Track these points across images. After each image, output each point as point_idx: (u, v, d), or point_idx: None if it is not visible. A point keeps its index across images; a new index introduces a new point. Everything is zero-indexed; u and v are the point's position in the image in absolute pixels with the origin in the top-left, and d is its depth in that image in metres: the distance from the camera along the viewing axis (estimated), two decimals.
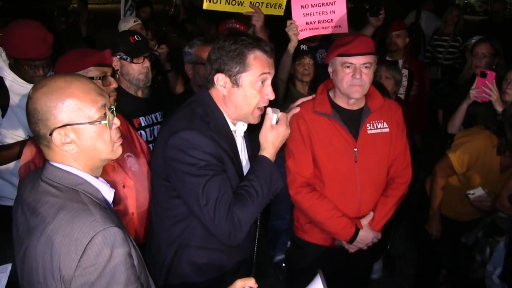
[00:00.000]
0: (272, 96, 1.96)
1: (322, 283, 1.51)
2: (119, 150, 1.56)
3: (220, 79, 1.90)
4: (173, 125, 1.88)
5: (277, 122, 2.01)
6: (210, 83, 1.95)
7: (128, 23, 4.18)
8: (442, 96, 4.50)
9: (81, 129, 1.44)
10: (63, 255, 1.32)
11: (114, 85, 2.30)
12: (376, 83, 3.32)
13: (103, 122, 1.47)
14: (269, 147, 1.98)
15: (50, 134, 1.41)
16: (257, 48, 1.88)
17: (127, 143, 2.38)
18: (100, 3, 26.70)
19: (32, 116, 1.41)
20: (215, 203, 1.79)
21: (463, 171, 2.92)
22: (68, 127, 1.42)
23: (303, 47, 3.50)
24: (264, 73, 1.91)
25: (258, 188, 1.88)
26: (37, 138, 1.46)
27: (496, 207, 2.77)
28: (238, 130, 2.06)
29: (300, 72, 3.56)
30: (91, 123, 1.45)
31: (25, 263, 1.43)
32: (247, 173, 1.98)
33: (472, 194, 2.83)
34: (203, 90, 2.02)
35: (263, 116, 2.02)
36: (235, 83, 1.89)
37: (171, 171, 1.86)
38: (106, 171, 2.20)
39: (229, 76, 1.89)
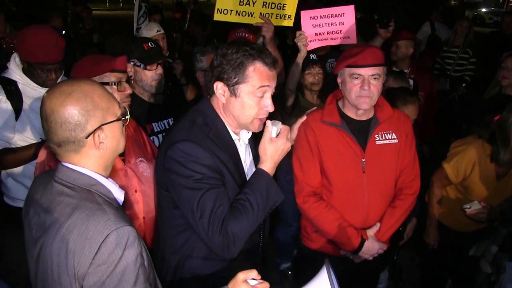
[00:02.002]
0: (271, 109, 1.93)
1: (328, 272, 1.50)
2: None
3: (219, 88, 1.89)
4: (172, 136, 1.88)
5: (277, 135, 1.96)
6: (211, 90, 1.94)
7: (151, 32, 4.18)
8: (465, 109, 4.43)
9: (110, 127, 1.51)
10: (77, 253, 1.37)
11: (128, 91, 2.34)
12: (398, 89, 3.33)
13: (127, 116, 1.56)
14: (267, 160, 1.93)
15: (87, 137, 1.46)
16: (258, 60, 1.85)
17: (140, 148, 2.42)
18: (110, 9, 26.92)
19: (68, 124, 1.43)
20: (209, 217, 1.78)
21: (459, 180, 2.94)
22: (102, 127, 1.48)
23: (313, 56, 3.52)
24: (264, 86, 1.87)
25: (253, 202, 1.84)
26: (65, 143, 1.47)
27: (492, 217, 2.76)
28: (242, 138, 2.04)
29: (309, 81, 3.56)
30: (118, 119, 1.53)
31: (40, 262, 1.47)
32: (244, 186, 1.94)
33: (468, 208, 2.84)
34: (205, 99, 2.00)
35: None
36: (233, 93, 1.87)
37: (169, 183, 1.87)
38: (118, 176, 2.24)
39: (228, 86, 1.87)
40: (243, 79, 1.84)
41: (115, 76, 2.30)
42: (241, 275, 1.54)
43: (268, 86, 1.89)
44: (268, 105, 1.92)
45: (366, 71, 2.37)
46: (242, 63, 1.83)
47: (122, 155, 2.29)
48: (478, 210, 2.82)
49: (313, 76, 3.54)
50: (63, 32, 6.28)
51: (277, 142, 1.94)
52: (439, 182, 3.05)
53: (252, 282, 1.55)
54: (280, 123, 2.00)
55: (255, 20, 3.21)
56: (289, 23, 3.34)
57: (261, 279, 1.56)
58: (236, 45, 1.88)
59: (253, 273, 1.53)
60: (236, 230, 1.80)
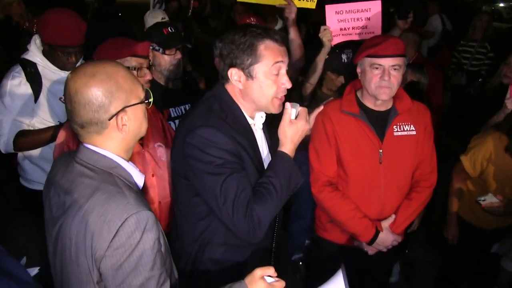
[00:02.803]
0: (289, 85, 1.91)
1: (344, 278, 1.52)
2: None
3: (234, 74, 1.88)
4: (190, 123, 1.86)
5: (296, 117, 1.96)
6: (225, 78, 1.92)
7: (155, 19, 4.19)
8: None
9: (133, 109, 1.50)
10: (96, 235, 1.36)
11: (149, 76, 2.35)
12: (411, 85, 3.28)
13: (150, 100, 1.56)
14: (288, 142, 1.94)
15: (110, 119, 1.45)
16: (267, 38, 1.85)
17: (158, 133, 2.42)
18: None
19: (91, 105, 1.42)
20: (233, 201, 1.78)
21: (477, 174, 2.88)
22: (126, 109, 1.47)
23: (345, 59, 3.38)
24: (278, 62, 1.87)
25: (277, 185, 1.85)
26: (88, 125, 1.46)
27: (510, 211, 2.71)
28: (257, 122, 2.04)
29: (336, 84, 3.46)
30: (142, 102, 1.53)
31: (59, 242, 1.47)
32: (266, 169, 1.94)
33: (483, 200, 2.76)
34: (219, 85, 1.98)
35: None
36: (249, 76, 1.86)
37: (189, 170, 1.85)
38: (136, 160, 2.24)
39: (242, 70, 1.86)
40: (256, 59, 1.84)
41: (136, 61, 2.30)
42: (258, 272, 1.52)
43: (282, 61, 1.89)
44: (285, 82, 1.91)
45: (386, 62, 2.35)
46: (252, 44, 1.83)
47: (140, 139, 2.30)
48: (494, 204, 2.75)
49: (342, 81, 3.43)
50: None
51: (297, 124, 1.94)
52: (458, 176, 3.00)
53: (269, 279, 1.54)
54: (298, 105, 1.99)
55: (278, 2, 3.17)
56: (311, 5, 3.28)
57: (277, 276, 1.56)
58: (241, 29, 1.88)
59: (271, 270, 1.53)
60: (261, 213, 1.81)
